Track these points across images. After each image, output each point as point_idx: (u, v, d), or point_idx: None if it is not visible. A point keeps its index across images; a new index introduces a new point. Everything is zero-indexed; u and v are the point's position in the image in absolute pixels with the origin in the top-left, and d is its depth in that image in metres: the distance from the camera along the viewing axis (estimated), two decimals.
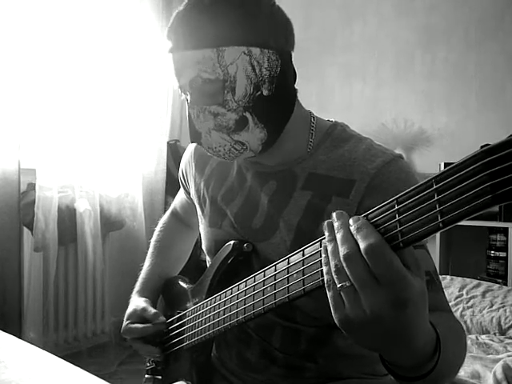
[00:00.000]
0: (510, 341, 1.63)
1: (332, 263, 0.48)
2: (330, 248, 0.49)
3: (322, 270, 0.54)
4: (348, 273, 0.46)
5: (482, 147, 0.38)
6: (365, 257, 0.45)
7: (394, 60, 2.77)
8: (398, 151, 0.85)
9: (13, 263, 2.12)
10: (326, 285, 0.49)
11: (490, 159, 0.37)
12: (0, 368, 0.71)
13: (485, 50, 2.51)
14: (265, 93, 0.78)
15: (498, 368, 1.34)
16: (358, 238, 0.46)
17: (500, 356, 1.47)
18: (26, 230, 2.23)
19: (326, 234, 0.50)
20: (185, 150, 1.09)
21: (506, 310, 1.77)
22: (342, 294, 0.47)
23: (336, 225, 0.49)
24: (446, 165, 0.48)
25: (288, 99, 0.83)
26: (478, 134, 2.44)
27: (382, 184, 0.76)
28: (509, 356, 1.45)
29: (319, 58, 2.91)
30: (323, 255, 0.50)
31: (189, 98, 0.79)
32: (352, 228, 0.47)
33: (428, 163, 2.49)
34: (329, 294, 0.48)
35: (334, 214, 0.50)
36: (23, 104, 2.18)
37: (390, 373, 0.55)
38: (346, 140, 0.84)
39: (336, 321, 0.48)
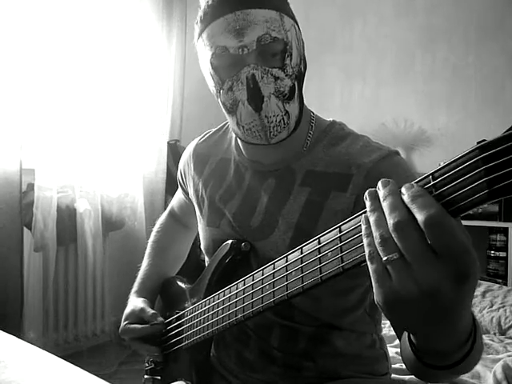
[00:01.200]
0: (509, 341, 1.63)
1: (376, 234, 0.43)
2: (373, 218, 0.45)
3: (320, 267, 0.54)
4: (399, 244, 0.42)
5: (478, 143, 0.38)
6: (423, 228, 0.40)
7: (394, 60, 2.77)
8: None
9: (14, 263, 2.11)
10: (367, 257, 0.44)
11: (486, 155, 0.37)
12: (0, 368, 0.71)
13: (485, 50, 2.51)
14: (302, 69, 0.83)
15: (497, 368, 1.34)
16: (414, 207, 0.41)
17: (500, 356, 1.47)
18: (26, 230, 2.23)
19: (368, 203, 0.46)
20: (185, 150, 1.09)
21: (506, 310, 1.77)
22: (388, 267, 0.43)
23: (382, 193, 0.45)
24: None
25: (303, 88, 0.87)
26: (478, 134, 2.44)
27: (379, 177, 0.76)
28: (509, 356, 1.45)
29: (319, 57, 2.91)
30: (363, 226, 0.46)
31: (250, 58, 0.77)
32: (405, 197, 0.43)
33: (428, 163, 2.49)
34: (371, 268, 0.44)
35: (379, 183, 0.46)
36: (24, 104, 2.17)
37: (419, 359, 0.52)
38: (344, 138, 0.85)
39: (378, 297, 0.44)
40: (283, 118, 0.79)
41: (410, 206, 0.42)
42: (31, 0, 2.18)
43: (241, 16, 0.75)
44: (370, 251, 0.44)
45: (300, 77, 0.82)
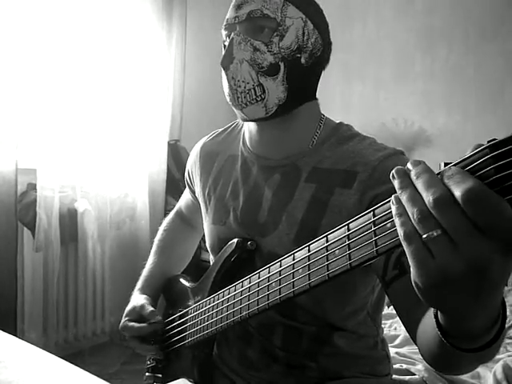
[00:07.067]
0: (510, 341, 1.63)
1: (413, 210, 0.40)
2: (405, 195, 0.41)
3: (327, 265, 0.54)
4: (441, 220, 0.38)
5: (488, 142, 0.38)
6: (462, 204, 0.37)
7: (393, 60, 2.77)
8: None
9: (9, 263, 2.11)
10: (403, 238, 0.41)
11: (497, 153, 0.37)
12: (0, 368, 0.71)
13: (484, 52, 2.51)
14: (302, 60, 0.84)
15: (497, 368, 1.34)
16: (452, 183, 0.39)
17: (500, 356, 1.47)
18: (26, 230, 2.23)
19: (397, 181, 0.42)
20: (185, 149, 1.10)
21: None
22: (429, 245, 0.39)
23: (414, 172, 0.41)
24: (445, 165, 0.48)
25: (310, 86, 0.89)
26: (478, 135, 2.44)
27: (385, 174, 0.76)
28: (509, 356, 1.45)
29: None
30: (394, 206, 0.42)
31: (238, 26, 0.83)
32: (441, 176, 0.40)
33: (428, 163, 2.48)
34: (408, 248, 0.40)
35: (408, 163, 0.43)
36: (22, 103, 2.17)
37: (449, 342, 0.49)
38: (350, 138, 0.87)
39: (421, 278, 0.40)
40: (254, 89, 0.82)
41: (447, 183, 0.39)
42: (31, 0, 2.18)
43: None
44: (405, 231, 0.41)
45: (293, 63, 0.82)
